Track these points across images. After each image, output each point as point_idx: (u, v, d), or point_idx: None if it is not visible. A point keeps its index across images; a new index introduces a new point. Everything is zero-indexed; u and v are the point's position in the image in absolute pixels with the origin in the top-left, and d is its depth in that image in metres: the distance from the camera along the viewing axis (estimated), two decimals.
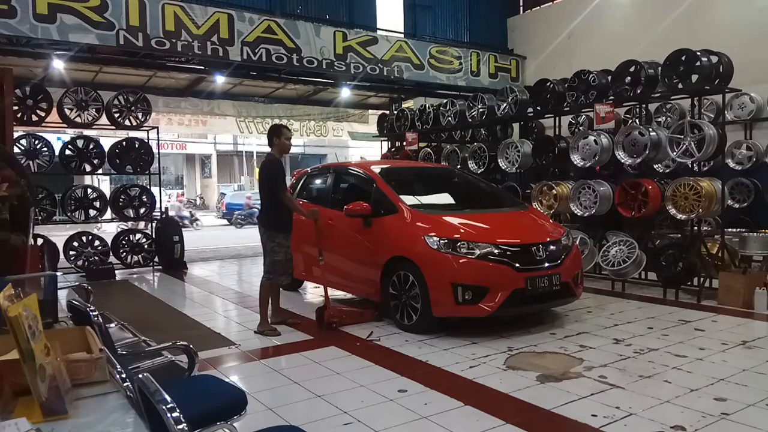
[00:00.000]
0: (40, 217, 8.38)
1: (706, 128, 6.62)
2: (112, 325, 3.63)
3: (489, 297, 5.06)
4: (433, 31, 12.38)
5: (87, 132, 11.23)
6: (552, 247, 5.46)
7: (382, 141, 13.14)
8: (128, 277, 9.17)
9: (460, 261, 5.11)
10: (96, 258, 9.36)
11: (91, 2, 8.05)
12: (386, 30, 11.59)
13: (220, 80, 11.36)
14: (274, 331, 5.52)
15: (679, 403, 3.64)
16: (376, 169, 6.52)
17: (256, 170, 31.06)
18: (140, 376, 1.57)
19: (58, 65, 9.44)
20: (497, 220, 5.86)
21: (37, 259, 3.96)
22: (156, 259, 9.85)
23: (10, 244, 3.02)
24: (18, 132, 8.45)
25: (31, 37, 7.83)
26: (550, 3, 12.64)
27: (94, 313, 2.34)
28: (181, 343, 3.16)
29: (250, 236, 15.55)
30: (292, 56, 9.74)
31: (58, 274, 4.58)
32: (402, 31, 11.97)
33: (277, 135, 5.57)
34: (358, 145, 27.87)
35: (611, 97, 7.84)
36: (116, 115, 9.28)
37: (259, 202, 5.90)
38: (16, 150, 7.94)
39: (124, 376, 1.80)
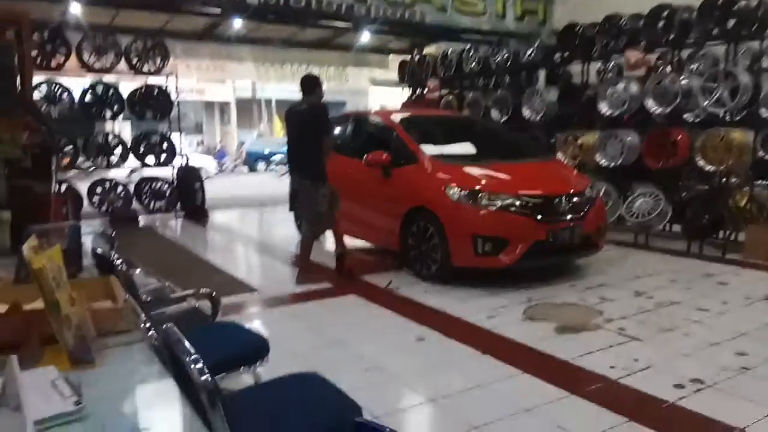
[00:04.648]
0: (63, 164, 8.45)
1: (741, 76, 6.34)
2: (137, 270, 3.69)
3: (509, 249, 5.03)
4: None
5: (106, 78, 11.17)
6: (575, 198, 5.37)
7: (403, 88, 12.89)
8: (151, 223, 9.31)
9: (481, 212, 5.07)
10: (119, 203, 9.49)
11: None
12: None
13: (237, 24, 11.12)
14: (314, 276, 5.49)
15: (699, 357, 3.63)
16: (396, 118, 6.41)
17: (276, 117, 30.75)
18: (164, 326, 1.59)
19: (75, 9, 9.29)
20: (519, 171, 5.75)
21: (60, 207, 4.00)
22: (178, 205, 9.96)
23: (33, 191, 3.04)
24: (38, 77, 8.41)
25: None
26: None
27: (119, 262, 2.37)
28: (205, 290, 3.21)
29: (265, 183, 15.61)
30: None
31: (82, 221, 4.64)
32: None
33: (320, 86, 5.38)
34: (378, 91, 27.38)
35: (642, 43, 7.52)
36: (134, 61, 9.21)
37: (294, 151, 5.51)
38: (36, 96, 7.93)
39: (149, 325, 1.83)
